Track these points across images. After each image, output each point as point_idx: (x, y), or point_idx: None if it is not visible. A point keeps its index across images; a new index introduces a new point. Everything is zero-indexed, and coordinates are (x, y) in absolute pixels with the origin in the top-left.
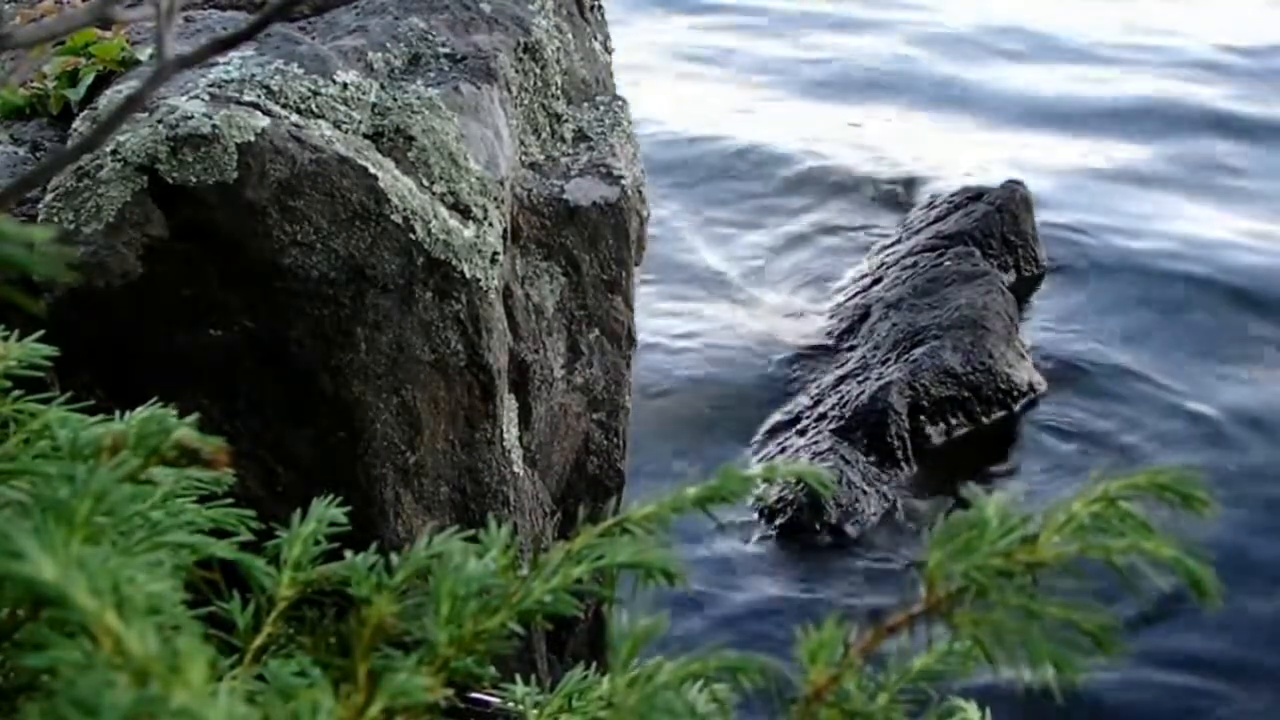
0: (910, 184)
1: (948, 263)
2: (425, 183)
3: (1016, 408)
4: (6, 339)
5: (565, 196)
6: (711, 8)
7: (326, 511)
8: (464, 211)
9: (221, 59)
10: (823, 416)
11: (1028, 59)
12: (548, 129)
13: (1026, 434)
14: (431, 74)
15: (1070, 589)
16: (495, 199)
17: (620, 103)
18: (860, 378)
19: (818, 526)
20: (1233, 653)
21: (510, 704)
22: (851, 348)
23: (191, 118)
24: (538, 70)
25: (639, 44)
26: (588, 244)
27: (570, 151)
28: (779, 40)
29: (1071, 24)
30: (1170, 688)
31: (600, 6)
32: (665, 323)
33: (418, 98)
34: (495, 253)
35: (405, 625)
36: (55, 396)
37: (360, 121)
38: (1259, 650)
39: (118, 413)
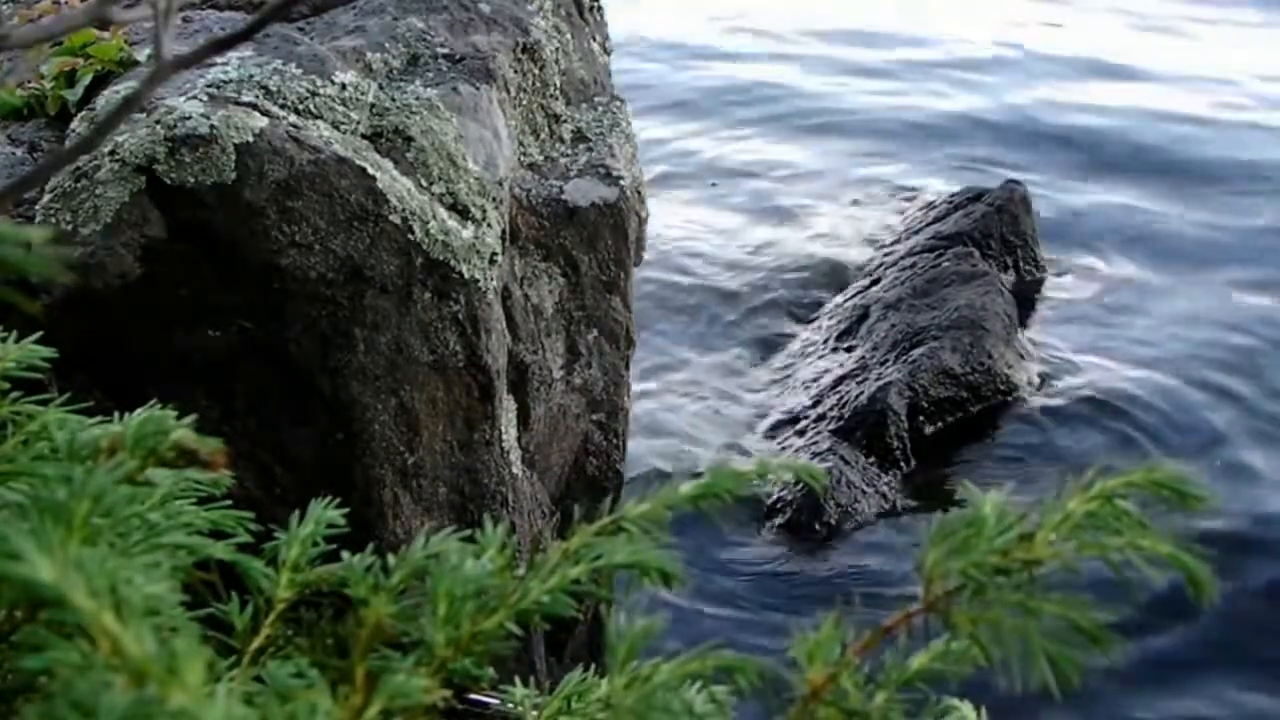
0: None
1: (947, 263)
2: (424, 183)
3: (1015, 408)
4: (5, 340)
5: (564, 197)
6: None
7: (325, 513)
8: (462, 212)
9: (220, 59)
10: (822, 417)
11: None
12: (546, 129)
13: (1025, 434)
14: (430, 74)
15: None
16: (494, 200)
17: (619, 103)
18: (859, 378)
19: (816, 526)
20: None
21: (509, 705)
22: (850, 348)
23: (189, 118)
24: (536, 71)
25: None
26: (586, 245)
27: (569, 152)
28: None
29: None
30: (1167, 682)
31: (599, 7)
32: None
33: (416, 98)
34: (494, 253)
35: (403, 626)
36: (53, 398)
37: (359, 122)
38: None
39: (116, 414)
